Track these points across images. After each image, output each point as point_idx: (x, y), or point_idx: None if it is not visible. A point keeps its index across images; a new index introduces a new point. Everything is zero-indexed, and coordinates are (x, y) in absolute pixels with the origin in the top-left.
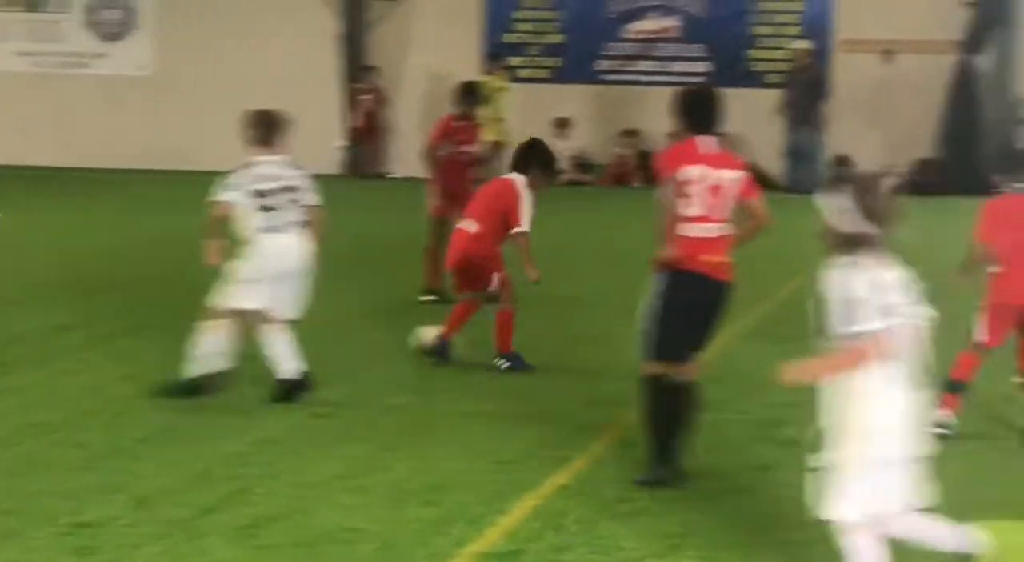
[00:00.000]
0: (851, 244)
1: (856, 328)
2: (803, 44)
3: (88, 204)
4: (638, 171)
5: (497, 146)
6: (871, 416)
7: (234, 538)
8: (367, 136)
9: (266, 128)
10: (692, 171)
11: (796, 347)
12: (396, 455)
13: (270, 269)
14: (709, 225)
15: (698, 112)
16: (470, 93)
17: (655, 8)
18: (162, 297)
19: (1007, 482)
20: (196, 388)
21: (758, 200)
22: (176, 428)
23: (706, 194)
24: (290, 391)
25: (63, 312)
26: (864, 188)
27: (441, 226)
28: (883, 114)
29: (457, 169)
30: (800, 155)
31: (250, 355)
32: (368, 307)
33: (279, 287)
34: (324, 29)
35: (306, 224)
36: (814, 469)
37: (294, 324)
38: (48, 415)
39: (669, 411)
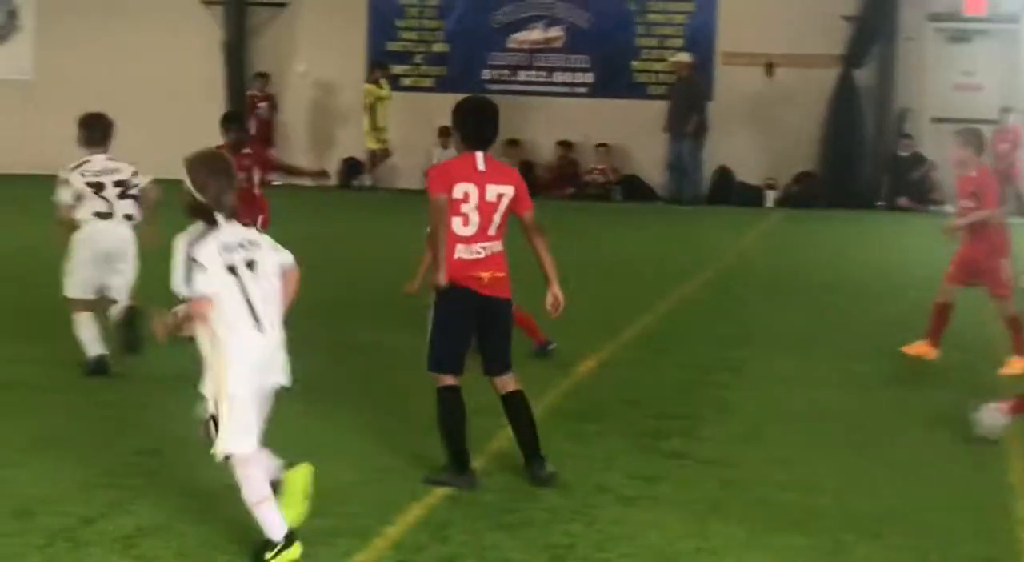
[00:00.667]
0: (200, 212)
1: (193, 289)
2: (684, 56)
3: None
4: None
5: (380, 154)
6: (228, 357)
7: (116, 548)
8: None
9: (92, 129)
10: (465, 188)
11: (677, 358)
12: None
13: (96, 252)
14: (481, 245)
15: (472, 126)
16: (229, 121)
17: (539, 18)
18: (23, 301)
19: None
20: (100, 365)
21: (530, 212)
22: (57, 437)
23: (478, 212)
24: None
25: None
26: (199, 164)
27: None
28: (765, 127)
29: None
30: (681, 167)
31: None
32: None
33: (107, 271)
34: (208, 35)
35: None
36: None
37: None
38: None
39: (456, 418)
